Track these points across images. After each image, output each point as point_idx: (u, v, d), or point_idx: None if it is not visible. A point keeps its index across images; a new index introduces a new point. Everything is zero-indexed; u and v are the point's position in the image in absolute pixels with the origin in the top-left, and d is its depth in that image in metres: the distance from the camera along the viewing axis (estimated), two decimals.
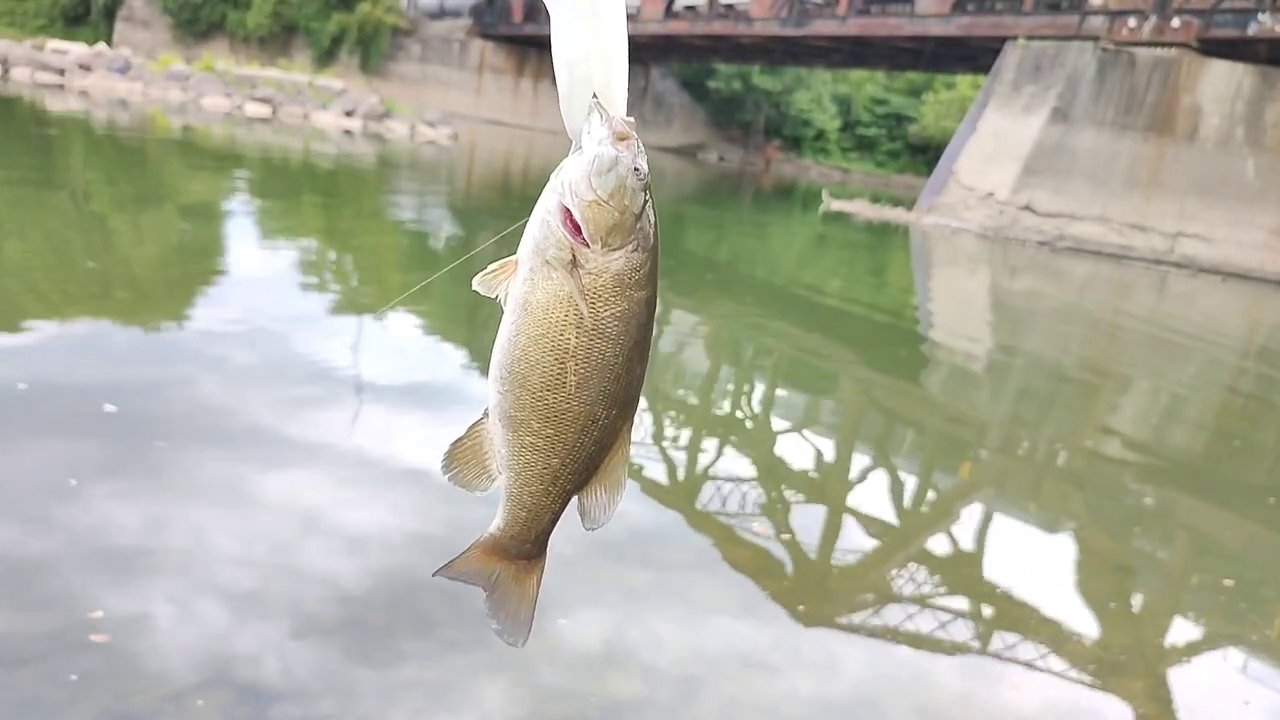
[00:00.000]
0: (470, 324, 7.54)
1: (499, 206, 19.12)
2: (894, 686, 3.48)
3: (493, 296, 1.01)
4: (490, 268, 1.01)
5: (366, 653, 3.03)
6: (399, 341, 7.24)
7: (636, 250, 0.97)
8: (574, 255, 0.96)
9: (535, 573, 1.07)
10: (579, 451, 1.01)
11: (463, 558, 1.07)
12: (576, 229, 0.96)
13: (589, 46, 0.99)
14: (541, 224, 0.98)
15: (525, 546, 1.06)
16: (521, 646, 1.07)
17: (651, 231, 0.98)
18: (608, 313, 0.97)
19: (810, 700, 3.25)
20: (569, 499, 1.04)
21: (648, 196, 0.97)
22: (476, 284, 1.01)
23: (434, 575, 1.07)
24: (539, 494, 1.03)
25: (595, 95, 0.98)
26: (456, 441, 1.05)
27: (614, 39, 1.00)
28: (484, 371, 6.54)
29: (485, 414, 1.04)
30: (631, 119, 0.98)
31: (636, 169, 0.96)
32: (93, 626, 2.94)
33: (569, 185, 0.96)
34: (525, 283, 0.98)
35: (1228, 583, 5.20)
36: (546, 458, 1.01)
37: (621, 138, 0.96)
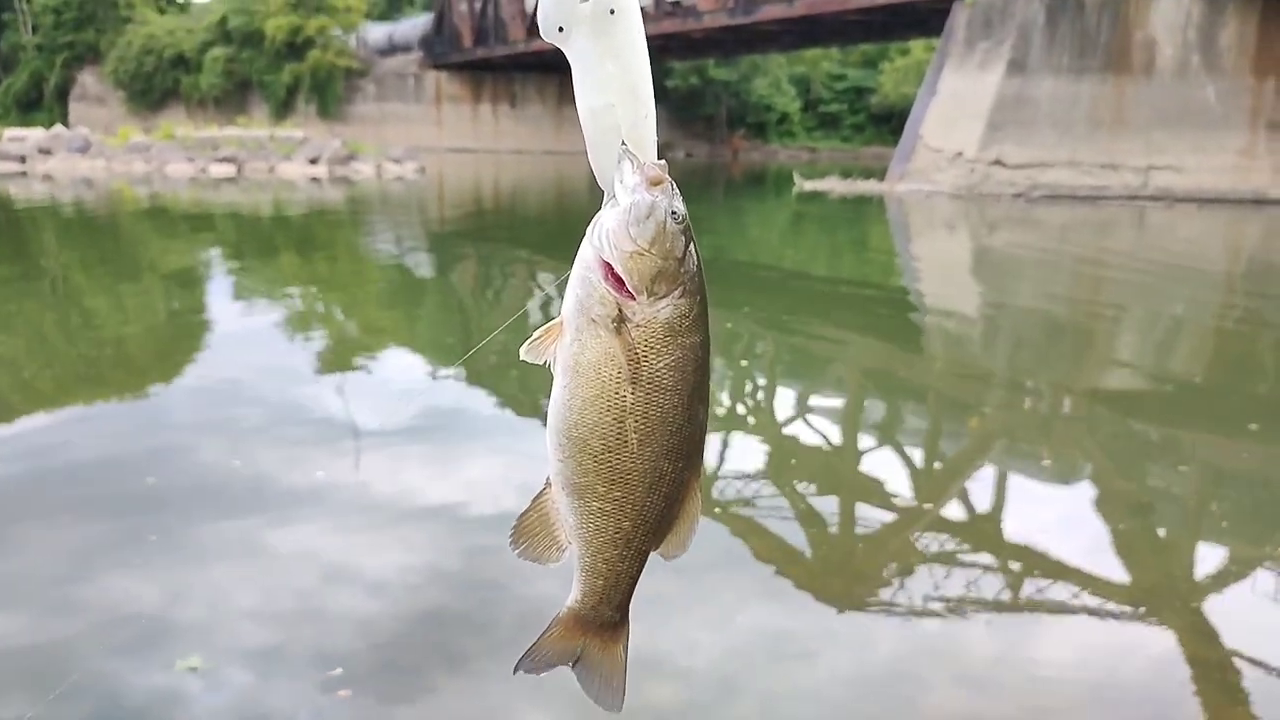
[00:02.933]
0: (462, 356, 7.53)
1: (475, 230, 19.12)
2: (932, 656, 3.47)
3: (541, 363, 0.98)
4: (535, 334, 0.97)
5: (402, 694, 3.02)
6: (393, 381, 7.23)
7: (684, 295, 0.94)
8: (620, 309, 0.93)
9: (621, 641, 1.03)
10: (650, 510, 0.98)
11: (545, 639, 1.02)
12: (619, 282, 0.93)
13: (612, 91, 0.96)
14: (582, 281, 0.94)
15: (607, 614, 1.02)
16: (618, 713, 1.03)
17: (697, 273, 0.95)
18: (662, 363, 0.94)
19: (850, 682, 3.25)
20: (645, 559, 1.01)
21: (689, 238, 0.94)
22: (524, 354, 0.97)
23: (516, 670, 1.02)
24: (614, 559, 0.99)
25: (624, 142, 0.96)
26: (522, 515, 1.01)
27: (639, 81, 0.96)
28: (480, 402, 6.53)
29: (547, 483, 1.00)
30: (663, 162, 0.96)
31: (674, 212, 0.93)
32: (124, 707, 2.92)
33: (607, 238, 0.93)
34: (574, 344, 0.95)
35: (1247, 506, 5.21)
36: (617, 521, 0.98)
37: (655, 182, 0.93)
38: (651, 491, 0.97)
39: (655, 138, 0.98)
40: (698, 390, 0.96)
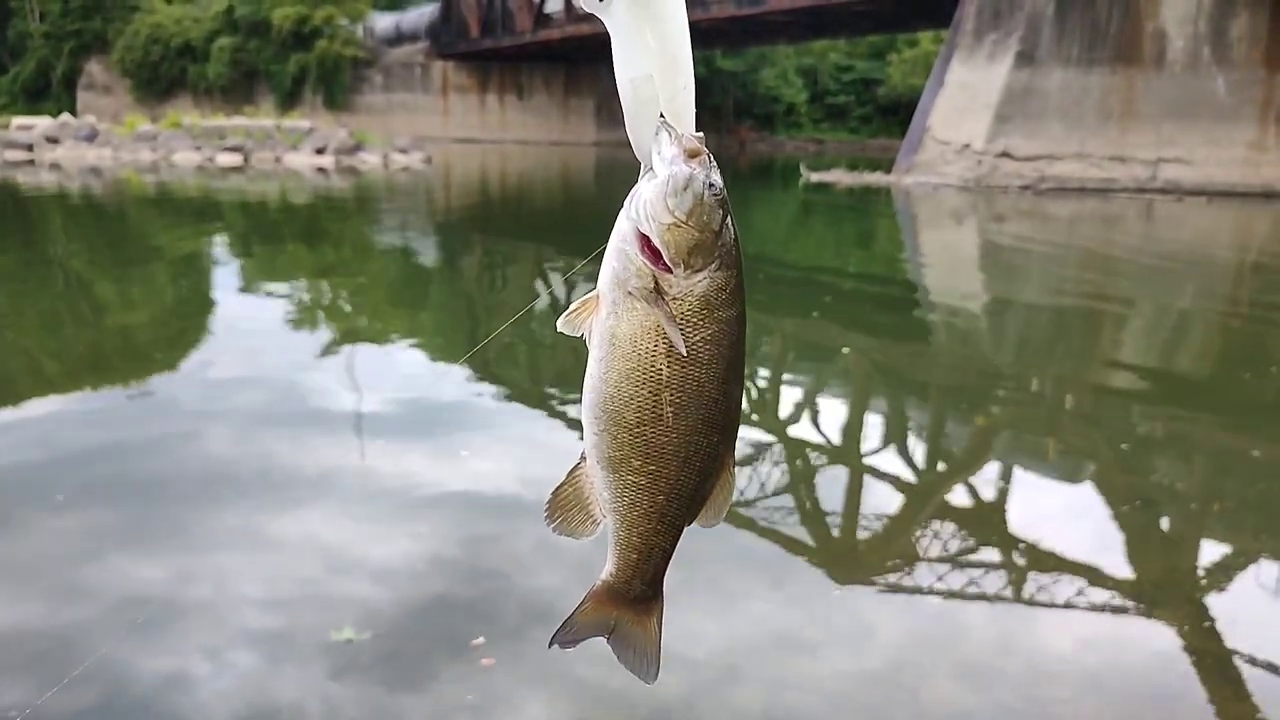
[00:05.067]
0: (469, 346, 7.54)
1: (481, 220, 19.12)
2: (934, 647, 3.48)
3: (578, 335, 0.98)
4: (572, 306, 0.97)
5: (407, 682, 3.04)
6: (399, 370, 7.25)
7: (720, 268, 0.94)
8: (657, 282, 0.93)
9: (654, 614, 1.04)
10: (684, 485, 0.98)
11: (579, 612, 1.03)
12: (656, 255, 0.93)
13: (651, 62, 0.96)
14: (619, 254, 0.95)
15: (641, 588, 1.03)
16: (652, 683, 1.04)
17: (733, 247, 0.95)
18: (698, 337, 0.94)
19: (852, 672, 3.26)
20: (679, 534, 1.01)
21: (726, 211, 0.94)
22: (561, 325, 0.98)
23: (551, 644, 1.03)
24: (648, 534, 1.00)
25: (662, 114, 0.96)
26: (557, 489, 1.02)
27: (678, 51, 0.96)
28: (483, 391, 6.52)
29: (582, 457, 1.01)
30: (701, 134, 0.96)
31: (711, 185, 0.93)
32: (131, 691, 2.95)
33: (644, 210, 0.93)
34: (609, 317, 0.95)
35: (1252, 500, 5.20)
36: (652, 496, 0.98)
37: (693, 154, 0.93)
38: (686, 466, 0.97)
39: (694, 109, 0.98)
40: (733, 364, 0.96)
